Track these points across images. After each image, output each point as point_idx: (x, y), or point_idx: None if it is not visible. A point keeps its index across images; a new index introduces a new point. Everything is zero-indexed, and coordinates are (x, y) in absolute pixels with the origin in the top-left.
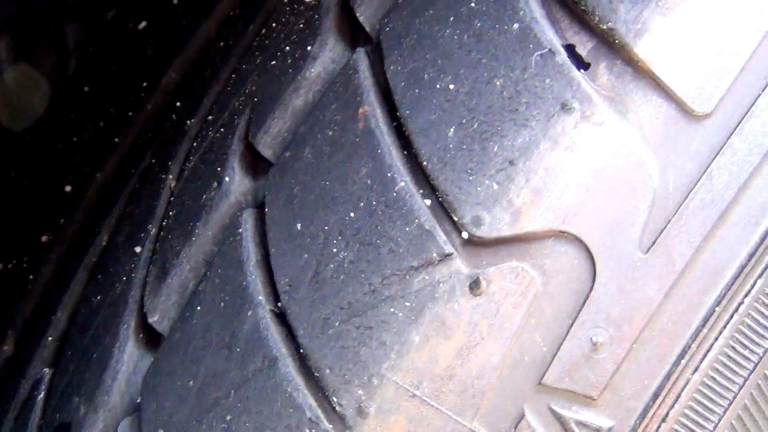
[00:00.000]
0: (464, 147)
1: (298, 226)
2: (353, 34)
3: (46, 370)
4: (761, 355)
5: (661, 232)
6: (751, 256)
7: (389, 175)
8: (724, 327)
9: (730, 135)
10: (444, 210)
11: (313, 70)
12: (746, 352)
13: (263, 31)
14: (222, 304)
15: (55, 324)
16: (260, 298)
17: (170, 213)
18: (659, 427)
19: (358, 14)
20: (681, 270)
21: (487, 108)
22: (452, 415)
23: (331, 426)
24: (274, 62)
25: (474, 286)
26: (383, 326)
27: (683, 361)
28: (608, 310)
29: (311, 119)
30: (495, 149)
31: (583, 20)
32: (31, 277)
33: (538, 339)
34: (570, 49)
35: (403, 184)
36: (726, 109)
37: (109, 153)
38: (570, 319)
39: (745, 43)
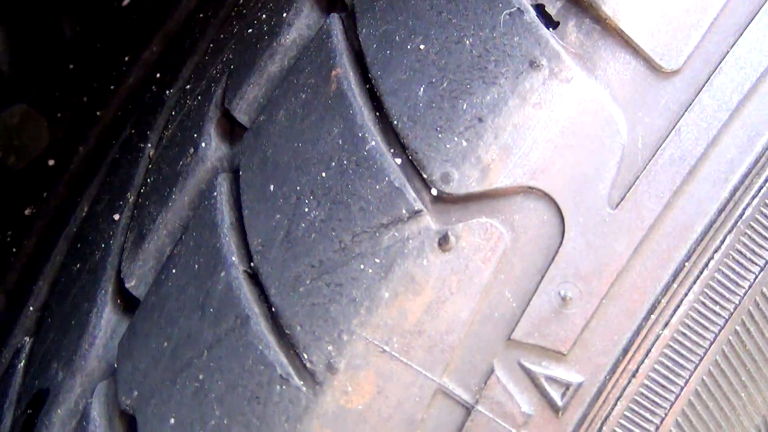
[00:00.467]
0: (434, 105)
1: (271, 187)
2: (328, 1)
3: (27, 339)
4: (731, 311)
5: (630, 188)
6: (720, 211)
7: (360, 134)
8: (694, 282)
9: (699, 91)
10: (414, 168)
11: (288, 37)
12: (717, 308)
13: (241, 1)
14: (196, 266)
15: (37, 294)
16: (233, 259)
17: (148, 180)
18: (629, 382)
19: None
20: (650, 225)
21: (456, 67)
22: (421, 371)
23: (302, 382)
24: (250, 30)
25: (443, 242)
26: (353, 283)
27: (653, 317)
28: (577, 266)
29: (285, 84)
30: (464, 107)
31: None
32: (14, 250)
33: (507, 294)
34: (539, 8)
35: (373, 143)
36: (694, 66)
37: (92, 126)
38: (539, 275)
39: (713, 0)
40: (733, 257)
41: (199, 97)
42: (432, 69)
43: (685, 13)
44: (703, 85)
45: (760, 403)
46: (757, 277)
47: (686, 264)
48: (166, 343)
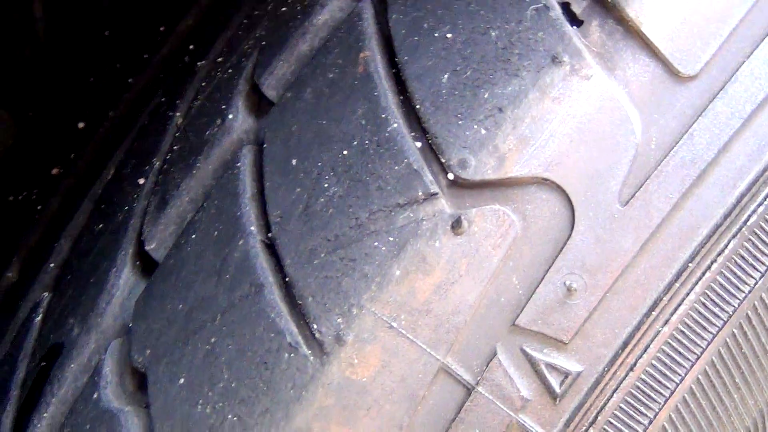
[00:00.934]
0: (456, 93)
1: (294, 162)
2: None
3: (46, 294)
4: (730, 313)
5: (641, 186)
6: (726, 216)
7: (383, 116)
8: (696, 283)
9: (714, 98)
10: (433, 152)
11: (320, 17)
12: (716, 310)
13: None
14: (215, 233)
15: (58, 251)
16: (252, 228)
17: (174, 148)
18: (627, 375)
19: None
20: (657, 224)
21: (480, 57)
22: (426, 349)
23: (310, 352)
24: (284, 9)
25: (456, 225)
26: (366, 259)
27: (654, 313)
28: (584, 258)
29: (314, 62)
30: (485, 96)
31: None
32: (39, 207)
33: (514, 281)
34: (565, 5)
35: (396, 125)
36: (711, 73)
37: (123, 92)
38: (547, 264)
39: (733, 11)
40: (736, 261)
41: (230, 71)
42: (457, 57)
43: (705, 21)
44: (718, 92)
45: (751, 405)
46: (757, 282)
47: (690, 264)
48: (181, 306)
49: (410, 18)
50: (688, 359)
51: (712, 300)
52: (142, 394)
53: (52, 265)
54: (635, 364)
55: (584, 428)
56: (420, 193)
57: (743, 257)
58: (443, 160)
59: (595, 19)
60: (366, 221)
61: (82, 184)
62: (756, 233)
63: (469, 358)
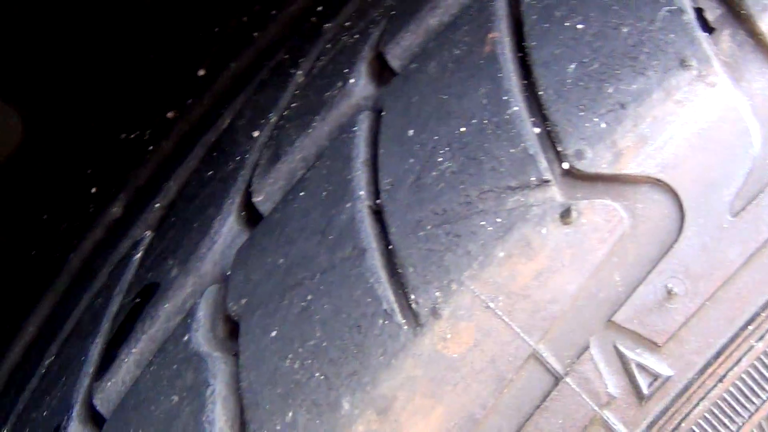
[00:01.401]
0: (581, 84)
1: (410, 132)
2: None
3: (148, 233)
4: None
5: (753, 199)
6: None
7: (505, 98)
8: None
9: None
10: (550, 139)
11: None
12: None
13: None
14: (324, 193)
15: (165, 192)
16: (361, 193)
17: (292, 105)
18: (715, 385)
19: None
20: (765, 239)
21: (609, 51)
22: (520, 333)
23: (404, 321)
24: None
25: (565, 215)
26: (471, 237)
27: (750, 328)
28: (688, 264)
29: (442, 37)
30: (609, 90)
31: None
32: (150, 148)
33: (616, 278)
34: (698, 11)
35: (516, 108)
36: None
37: (247, 45)
38: (650, 265)
39: None
40: None
41: (356, 36)
42: (585, 49)
43: None
44: None
45: None
46: None
47: None
48: (281, 260)
49: (543, 4)
50: None
51: None
52: (232, 342)
53: (157, 205)
54: (725, 375)
55: None
56: (533, 179)
57: None
58: (560, 149)
59: (726, 28)
60: (476, 199)
61: (196, 130)
62: None
63: (561, 348)
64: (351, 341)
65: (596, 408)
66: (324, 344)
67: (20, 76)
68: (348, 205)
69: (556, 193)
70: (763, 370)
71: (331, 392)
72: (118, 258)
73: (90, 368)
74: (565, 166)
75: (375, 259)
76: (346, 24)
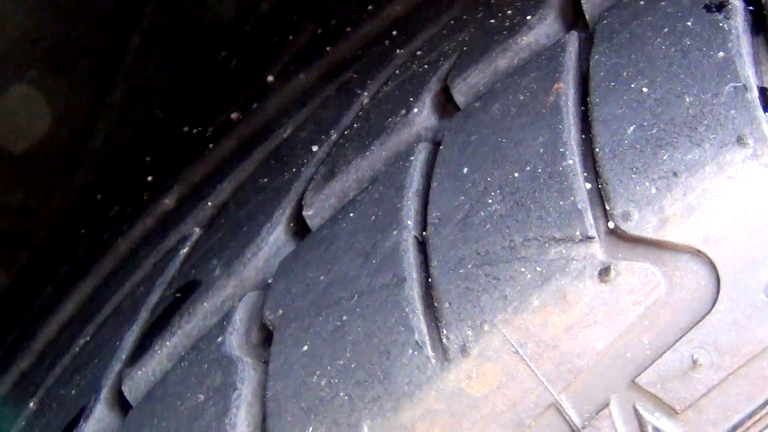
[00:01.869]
0: (637, 146)
1: (465, 170)
2: (573, 17)
3: (197, 230)
4: None
5: None
6: None
7: (561, 150)
8: None
9: None
10: (600, 197)
11: (525, 39)
12: None
13: None
14: (373, 217)
15: (219, 192)
16: (409, 222)
17: (354, 125)
18: None
19: (583, 1)
20: None
21: (670, 118)
22: (544, 381)
23: (433, 354)
24: (492, 21)
25: (603, 273)
26: (510, 281)
27: None
28: (717, 337)
29: (509, 80)
30: (664, 157)
31: None
32: (210, 146)
33: (645, 340)
34: (763, 91)
35: (571, 162)
36: None
37: (318, 58)
38: (680, 333)
39: None
40: None
41: (426, 66)
42: (647, 113)
43: None
44: None
45: None
46: None
47: None
48: (322, 277)
49: (611, 63)
50: None
51: None
52: (264, 350)
53: (210, 203)
54: None
55: None
56: (577, 233)
57: None
58: (608, 208)
59: None
60: (519, 245)
61: (257, 135)
62: None
63: (582, 402)
64: (379, 366)
65: None
66: (352, 365)
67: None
68: (394, 232)
69: (598, 251)
70: None
71: (353, 414)
72: (164, 250)
73: (123, 354)
74: (611, 225)
75: (413, 290)
76: (418, 53)
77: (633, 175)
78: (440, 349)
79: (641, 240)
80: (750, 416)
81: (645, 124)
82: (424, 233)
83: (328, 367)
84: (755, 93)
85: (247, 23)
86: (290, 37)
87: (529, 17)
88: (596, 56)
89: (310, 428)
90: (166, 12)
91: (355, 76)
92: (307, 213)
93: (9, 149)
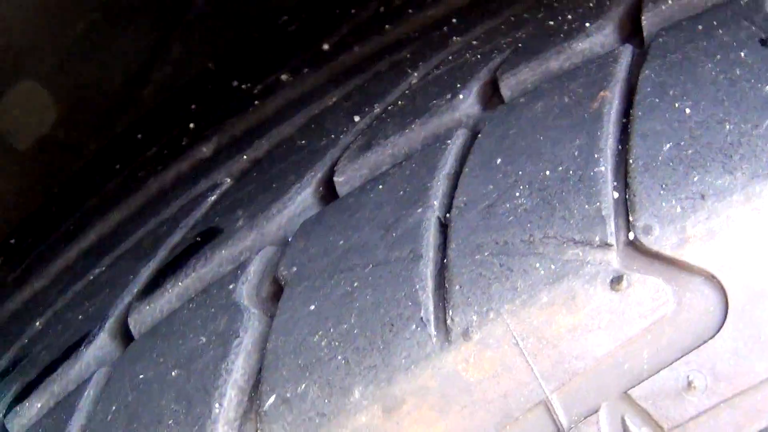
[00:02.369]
0: (670, 164)
1: (498, 160)
2: (631, 31)
3: (228, 180)
4: None
5: None
6: None
7: (596, 156)
8: None
9: None
10: (625, 207)
11: (580, 45)
12: None
13: None
14: (401, 192)
15: (255, 147)
16: (435, 202)
17: (399, 102)
18: None
19: (643, 17)
20: None
21: (707, 142)
22: (539, 378)
23: (436, 333)
24: (552, 23)
25: (616, 281)
26: (523, 274)
27: None
28: (716, 363)
29: (557, 81)
30: (695, 179)
31: None
32: (256, 102)
33: (644, 354)
34: None
35: (603, 168)
36: None
37: (376, 34)
38: (680, 353)
39: None
40: None
41: (479, 56)
42: (685, 133)
43: None
44: None
45: None
46: None
47: None
48: (342, 242)
49: (660, 80)
50: None
51: None
52: (272, 304)
53: (245, 157)
54: None
55: None
56: (597, 239)
57: None
58: (631, 219)
59: None
60: (538, 241)
61: (303, 98)
62: None
63: (573, 404)
64: (381, 337)
65: None
66: (355, 331)
67: None
68: (419, 210)
69: (614, 259)
70: None
71: (347, 378)
72: (193, 195)
73: (135, 288)
74: (631, 236)
75: (427, 268)
76: (474, 42)
77: (661, 191)
78: (443, 330)
79: (658, 255)
80: None
81: (682, 143)
82: (447, 215)
83: (331, 330)
84: None
85: None
86: (353, 10)
87: (587, 24)
88: (646, 71)
89: (303, 385)
90: None
91: (408, 56)
92: (338, 179)
93: (59, 89)
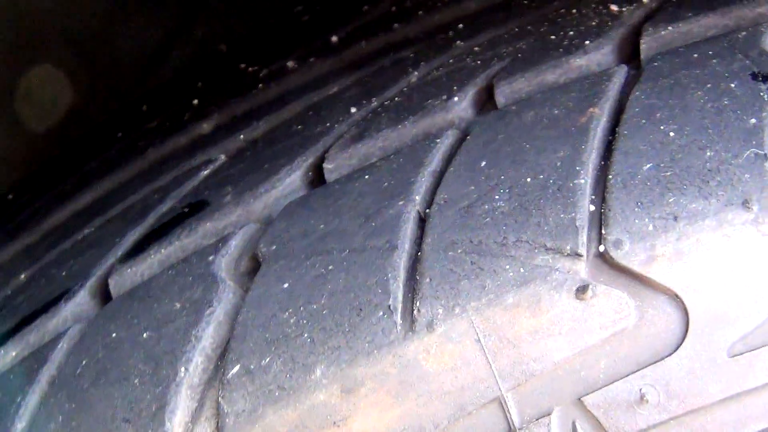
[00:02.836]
0: (648, 184)
1: (483, 163)
2: (629, 54)
3: (223, 156)
4: None
5: (753, 350)
6: None
7: (577, 168)
8: None
9: None
10: (599, 220)
11: (578, 61)
12: None
13: (562, 8)
14: (386, 184)
15: (253, 129)
16: (417, 197)
17: (396, 98)
18: None
19: (642, 41)
20: (748, 389)
21: (686, 166)
22: (496, 375)
23: (401, 322)
24: (553, 37)
25: (581, 290)
26: (492, 274)
27: None
28: (671, 380)
29: (550, 93)
30: (670, 200)
31: None
32: (259, 86)
33: (601, 364)
34: None
35: (583, 181)
36: None
37: (383, 32)
38: (636, 367)
39: None
40: None
41: (479, 62)
42: (666, 156)
43: None
44: None
45: None
46: None
47: None
48: (322, 226)
49: (649, 102)
50: None
51: None
52: (248, 279)
53: (242, 137)
54: None
55: None
56: (568, 247)
57: None
58: (603, 232)
59: None
60: (511, 244)
61: (305, 86)
62: None
63: (526, 404)
64: (348, 320)
65: None
66: (324, 312)
67: None
68: (401, 203)
69: (582, 269)
70: None
71: (311, 356)
72: (188, 168)
73: (119, 251)
74: (601, 248)
75: (401, 258)
76: (476, 49)
77: (636, 209)
78: (409, 319)
79: (625, 270)
80: None
81: (662, 165)
82: (427, 211)
83: (301, 308)
84: None
85: None
86: (365, 7)
87: (587, 42)
88: (637, 92)
89: (268, 358)
90: None
91: (411, 55)
92: (327, 166)
93: (79, 61)
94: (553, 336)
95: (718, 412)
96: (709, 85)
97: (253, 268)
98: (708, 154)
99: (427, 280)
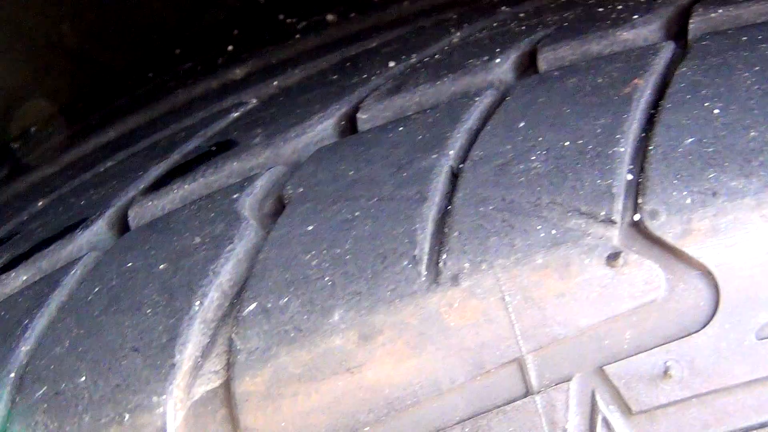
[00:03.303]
0: (689, 157)
1: (521, 124)
2: (677, 32)
3: (254, 100)
4: None
5: None
6: None
7: (618, 137)
8: None
9: None
10: (636, 189)
11: (624, 35)
12: None
13: None
14: (420, 137)
15: (288, 75)
16: (451, 152)
17: (436, 56)
18: None
19: (691, 21)
20: None
21: (729, 144)
22: (518, 335)
23: (426, 273)
24: (601, 9)
25: (613, 257)
26: (522, 233)
27: None
28: (696, 357)
29: (594, 62)
30: (710, 175)
31: None
32: (297, 36)
33: (627, 334)
34: None
35: (621, 149)
36: None
37: None
38: (662, 340)
39: None
40: None
41: (524, 28)
42: (710, 131)
43: None
44: None
45: None
46: None
47: None
48: (352, 172)
49: (695, 78)
50: None
51: None
52: (271, 221)
53: (276, 83)
54: None
55: None
56: (603, 213)
57: None
58: (639, 201)
59: None
60: (544, 205)
61: (344, 39)
62: None
63: (545, 369)
64: (371, 266)
65: None
66: (347, 257)
67: None
68: (434, 156)
69: (614, 236)
70: None
71: (330, 299)
72: (218, 109)
73: (141, 184)
74: (636, 217)
75: (431, 210)
76: (521, 15)
77: (674, 181)
78: (434, 271)
79: (659, 241)
80: None
81: (704, 140)
82: (461, 166)
83: (324, 251)
84: None
85: None
86: None
87: (635, 17)
88: (683, 68)
89: (286, 299)
90: None
91: (454, 17)
92: (361, 116)
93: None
94: (579, 301)
95: (741, 394)
96: (757, 68)
97: (277, 210)
98: (752, 134)
99: (456, 233)
